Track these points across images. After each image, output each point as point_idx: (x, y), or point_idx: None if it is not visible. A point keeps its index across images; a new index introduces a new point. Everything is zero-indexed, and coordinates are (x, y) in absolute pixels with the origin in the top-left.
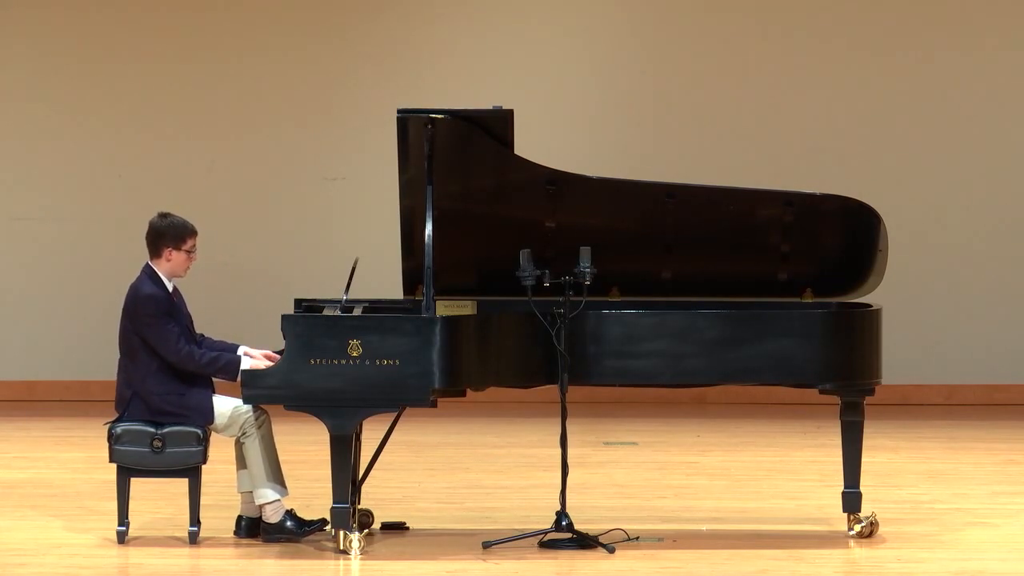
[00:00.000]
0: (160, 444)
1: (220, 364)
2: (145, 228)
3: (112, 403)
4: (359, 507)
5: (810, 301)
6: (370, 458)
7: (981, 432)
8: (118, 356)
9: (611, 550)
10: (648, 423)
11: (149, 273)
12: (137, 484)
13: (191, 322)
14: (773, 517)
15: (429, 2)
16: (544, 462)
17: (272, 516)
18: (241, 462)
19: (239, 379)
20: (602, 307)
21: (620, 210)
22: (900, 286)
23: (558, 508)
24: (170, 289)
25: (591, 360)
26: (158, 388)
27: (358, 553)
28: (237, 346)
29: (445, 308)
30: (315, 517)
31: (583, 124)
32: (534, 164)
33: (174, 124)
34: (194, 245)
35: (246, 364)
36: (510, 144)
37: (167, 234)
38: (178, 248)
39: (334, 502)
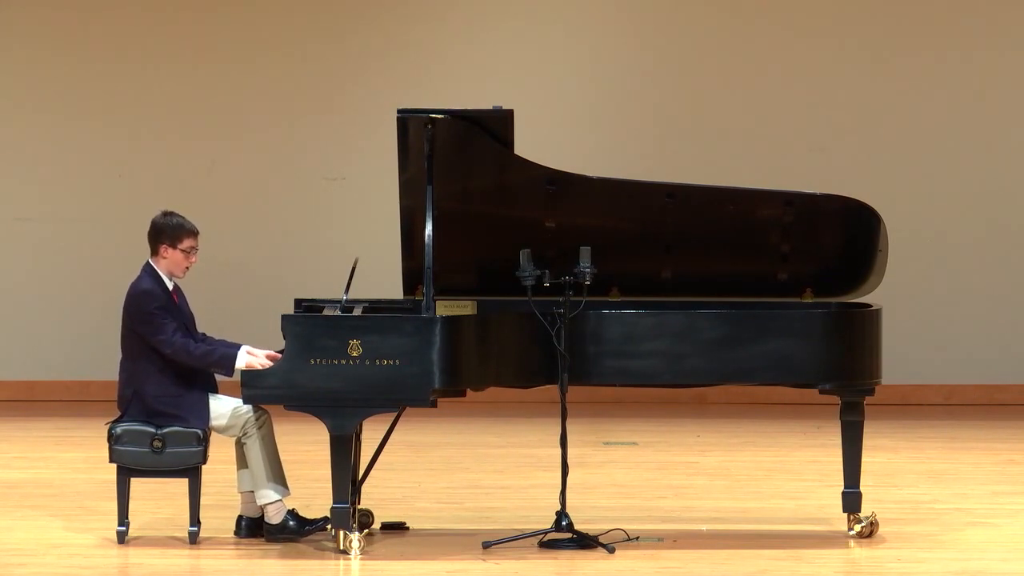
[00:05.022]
0: (160, 444)
1: (214, 358)
2: (145, 228)
3: (112, 402)
4: (359, 507)
5: (810, 301)
6: (370, 458)
7: (981, 432)
8: (119, 356)
9: (611, 550)
10: (648, 423)
11: (148, 271)
12: (137, 484)
13: (193, 322)
14: (773, 517)
15: (429, 2)
16: (544, 462)
17: (274, 516)
18: (241, 462)
19: (236, 376)
20: (602, 307)
21: (620, 210)
22: (900, 286)
23: (558, 508)
24: (170, 287)
25: (591, 360)
26: (155, 390)
27: (358, 553)
28: (239, 345)
29: (445, 308)
30: (315, 517)
31: (583, 124)
32: (534, 164)
33: (174, 124)
34: (193, 247)
35: (241, 362)
36: (510, 144)
37: (165, 231)
38: (174, 246)
39: (334, 502)
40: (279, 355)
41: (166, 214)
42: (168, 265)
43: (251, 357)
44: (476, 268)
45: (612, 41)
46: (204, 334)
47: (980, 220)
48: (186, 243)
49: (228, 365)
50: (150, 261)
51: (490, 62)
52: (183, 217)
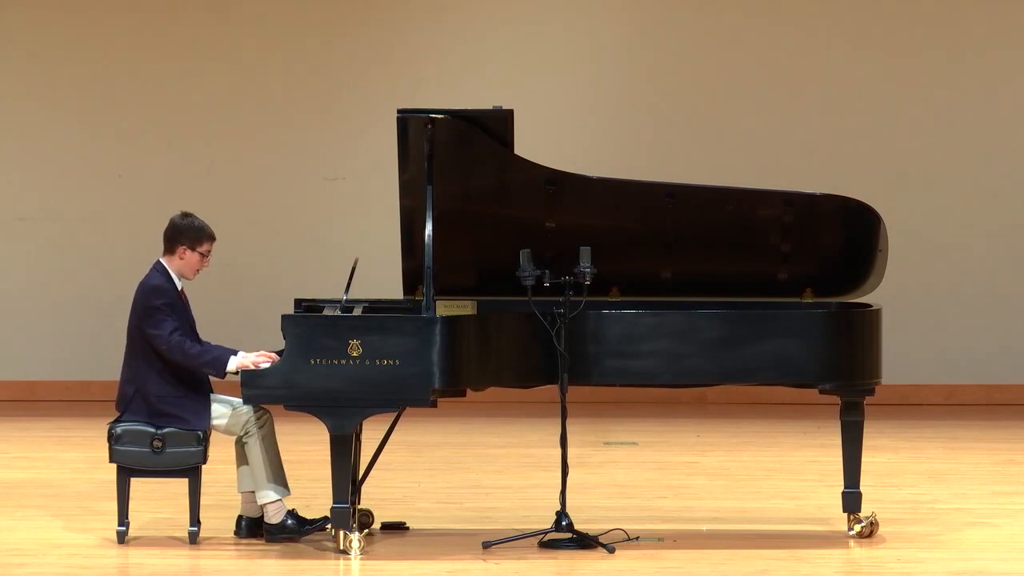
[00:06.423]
0: (160, 444)
1: (207, 358)
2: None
3: (112, 402)
4: (359, 507)
5: (810, 301)
6: (370, 458)
7: (981, 432)
8: (123, 354)
9: (611, 550)
10: (648, 423)
11: (159, 268)
12: (137, 484)
13: (194, 325)
14: (773, 517)
15: (430, 2)
16: (544, 462)
17: (274, 516)
18: (242, 461)
19: (227, 377)
20: (602, 307)
21: (620, 210)
22: (900, 286)
23: (558, 508)
24: (178, 287)
25: (591, 360)
26: (158, 390)
27: (358, 553)
28: (236, 351)
29: (445, 308)
30: (315, 517)
31: (583, 124)
32: (534, 164)
33: (174, 124)
34: (210, 251)
35: (232, 364)
36: (510, 144)
37: (185, 233)
38: (193, 248)
39: (334, 502)
40: (274, 355)
41: (185, 215)
42: (181, 266)
43: (244, 359)
44: (476, 268)
45: (612, 41)
46: (202, 341)
47: (980, 220)
48: (204, 247)
49: (220, 367)
50: (162, 260)
51: (490, 62)
52: (202, 220)
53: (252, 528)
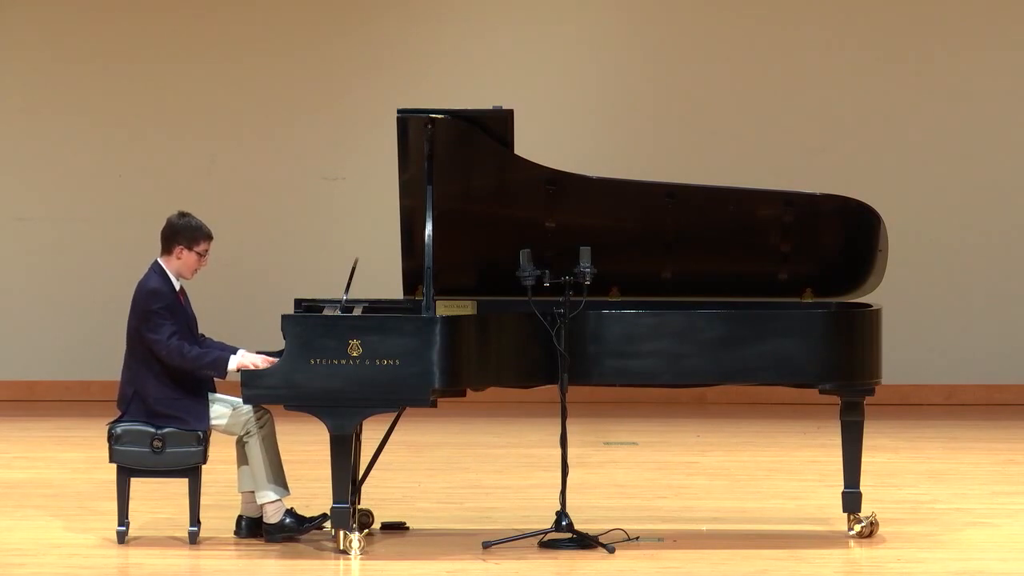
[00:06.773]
0: (160, 444)
1: (207, 360)
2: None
3: (112, 402)
4: (359, 507)
5: (810, 301)
6: (370, 458)
7: (981, 432)
8: (123, 354)
9: (611, 550)
10: (648, 423)
11: (156, 269)
12: (137, 484)
13: (195, 323)
14: (773, 517)
15: (430, 2)
16: (544, 462)
17: (273, 516)
18: (242, 461)
19: (227, 376)
20: (602, 307)
21: (620, 210)
22: (900, 286)
23: (558, 508)
24: (176, 287)
25: (591, 360)
26: (156, 392)
27: (358, 553)
28: (236, 349)
29: (445, 308)
30: (314, 515)
31: (584, 124)
32: (534, 164)
33: (174, 124)
34: (207, 250)
35: (233, 364)
36: (510, 144)
37: (181, 232)
38: (190, 248)
39: (334, 502)
40: (272, 359)
41: (183, 215)
42: (179, 266)
43: (244, 359)
44: (476, 268)
45: (612, 41)
46: (203, 335)
47: (980, 220)
48: (202, 246)
49: (220, 368)
50: (159, 260)
51: (490, 62)
52: (199, 219)
53: (252, 528)
